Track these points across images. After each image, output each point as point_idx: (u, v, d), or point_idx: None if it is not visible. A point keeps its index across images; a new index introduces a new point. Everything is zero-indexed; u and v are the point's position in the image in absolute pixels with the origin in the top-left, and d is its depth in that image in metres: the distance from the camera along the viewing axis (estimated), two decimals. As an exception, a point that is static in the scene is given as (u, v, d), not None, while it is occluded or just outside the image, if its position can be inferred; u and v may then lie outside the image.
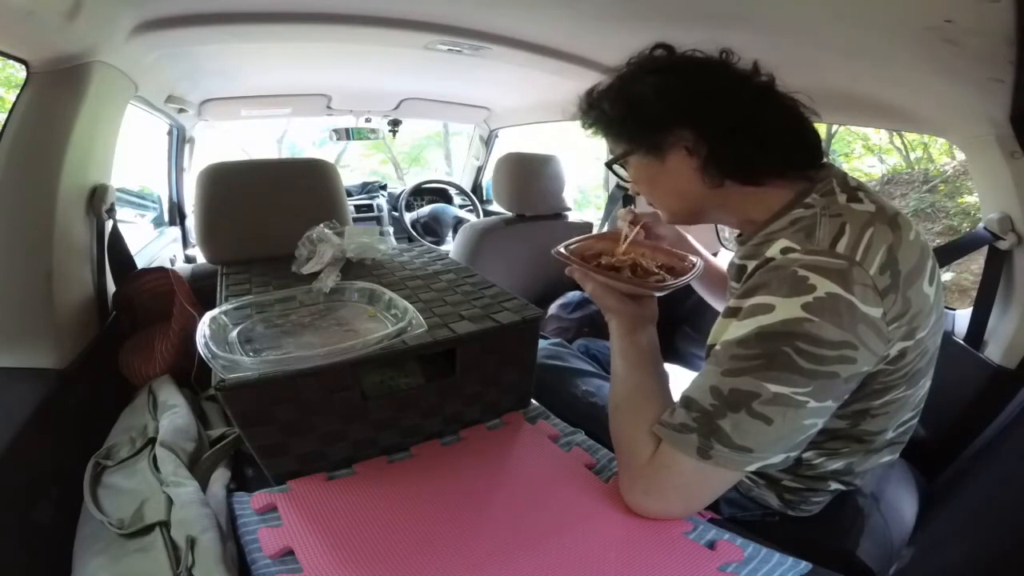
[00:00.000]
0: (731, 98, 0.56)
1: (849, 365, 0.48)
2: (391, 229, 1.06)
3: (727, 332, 0.52)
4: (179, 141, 1.85)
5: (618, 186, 1.63)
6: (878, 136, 4.86)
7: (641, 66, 0.61)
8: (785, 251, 0.52)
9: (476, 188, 2.62)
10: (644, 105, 0.58)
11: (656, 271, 0.66)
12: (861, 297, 0.47)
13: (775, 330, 0.47)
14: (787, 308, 0.47)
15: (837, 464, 0.59)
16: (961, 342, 0.94)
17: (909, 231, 0.53)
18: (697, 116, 0.56)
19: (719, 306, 0.94)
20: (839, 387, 0.49)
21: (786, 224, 0.55)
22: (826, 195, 0.55)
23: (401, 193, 2.40)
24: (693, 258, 0.68)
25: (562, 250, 0.66)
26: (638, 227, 0.73)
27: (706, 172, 0.58)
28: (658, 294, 0.63)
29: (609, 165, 0.69)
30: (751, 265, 0.57)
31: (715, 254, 1.53)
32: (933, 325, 0.54)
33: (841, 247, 0.49)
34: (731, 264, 0.65)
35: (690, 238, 0.90)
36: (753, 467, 0.50)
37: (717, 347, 0.52)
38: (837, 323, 0.46)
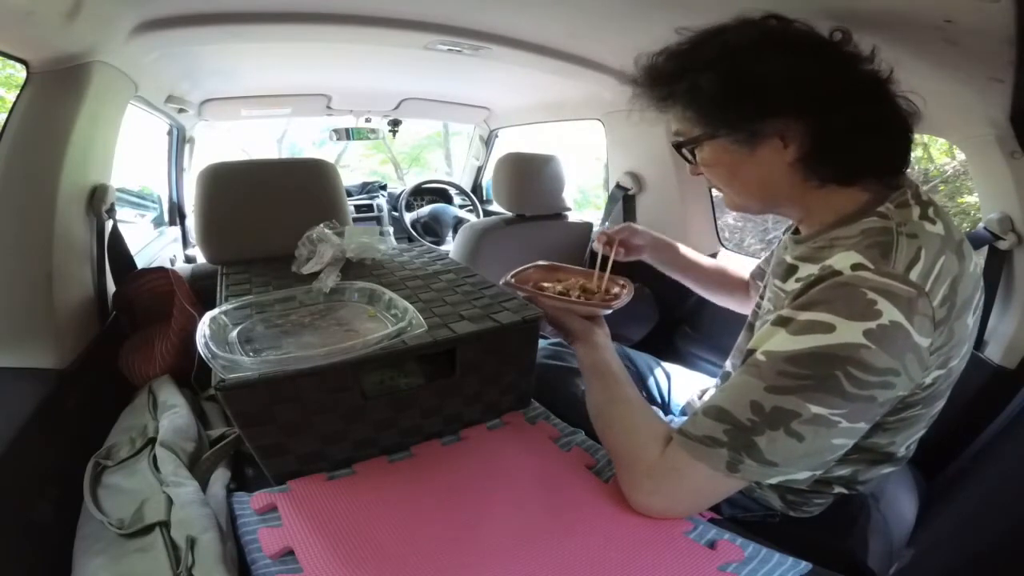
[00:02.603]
0: (856, 94, 0.51)
1: (888, 390, 0.47)
2: (391, 229, 1.07)
3: (773, 342, 0.49)
4: (179, 141, 1.86)
5: (618, 186, 1.63)
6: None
7: (758, 40, 0.52)
8: (856, 267, 0.48)
9: (476, 188, 2.63)
10: (765, 89, 0.50)
11: (600, 292, 0.76)
12: (918, 327, 0.46)
13: (832, 352, 0.45)
14: (848, 332, 0.45)
15: (844, 471, 0.59)
16: (973, 350, 0.94)
17: (971, 262, 0.51)
18: (821, 110, 0.51)
19: (707, 294, 0.95)
20: (873, 410, 0.48)
21: (856, 233, 0.52)
22: (901, 207, 0.52)
23: (401, 193, 2.40)
24: (623, 281, 0.78)
25: (511, 280, 0.76)
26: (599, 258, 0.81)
27: (800, 167, 0.54)
28: (606, 312, 0.71)
29: (679, 147, 0.60)
30: (808, 269, 0.54)
31: (714, 254, 1.53)
32: (964, 353, 0.53)
33: (915, 274, 0.47)
34: (779, 260, 0.63)
35: (664, 237, 0.91)
36: (775, 480, 0.50)
37: (760, 356, 0.50)
38: (890, 351, 0.45)
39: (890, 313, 0.45)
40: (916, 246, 0.48)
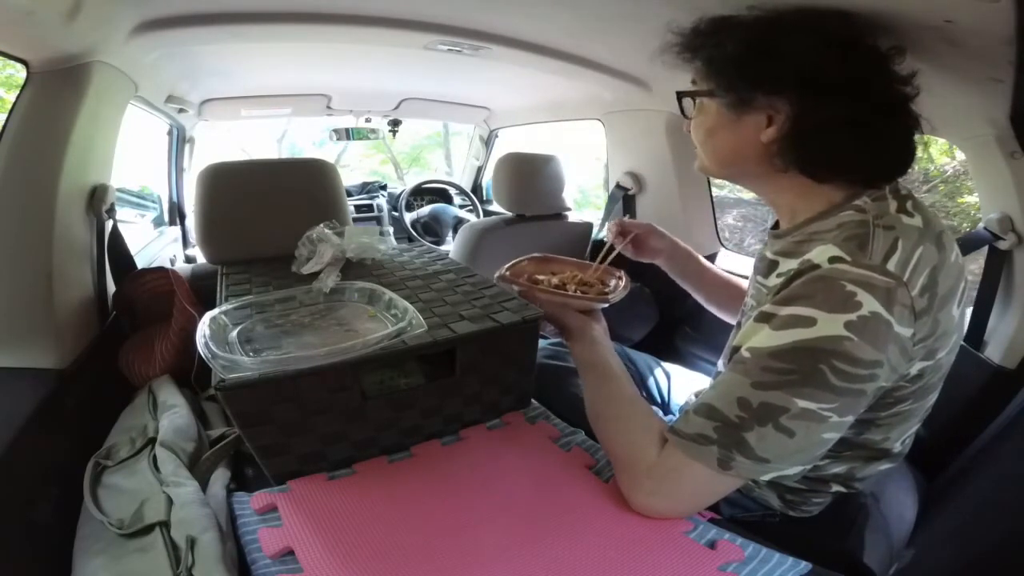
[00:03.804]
0: (862, 98, 0.51)
1: (874, 383, 0.47)
2: (391, 229, 1.07)
3: (757, 338, 0.50)
4: (179, 141, 1.85)
5: (618, 186, 1.63)
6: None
7: (800, 22, 0.53)
8: (834, 260, 0.48)
9: (476, 188, 2.62)
10: (776, 63, 0.51)
11: (597, 284, 0.75)
12: (898, 318, 0.46)
13: (814, 346, 0.46)
14: (829, 324, 0.45)
15: (839, 468, 0.59)
16: (961, 342, 0.94)
17: (951, 252, 0.51)
18: (818, 100, 0.51)
19: (717, 311, 0.94)
20: (862, 403, 0.48)
21: (833, 227, 0.52)
22: (878, 200, 0.52)
23: (401, 193, 2.40)
24: (620, 272, 0.76)
25: (506, 273, 0.75)
26: (608, 246, 0.81)
27: (774, 148, 0.55)
28: (602, 305, 0.69)
29: (681, 96, 0.62)
30: (787, 264, 0.55)
31: (714, 255, 1.53)
32: (952, 345, 0.53)
33: (892, 265, 0.47)
34: (761, 256, 0.64)
35: (685, 245, 0.91)
36: (768, 477, 0.50)
37: (745, 352, 0.50)
38: (873, 343, 0.45)
39: (870, 304, 0.45)
40: (893, 237, 0.48)
